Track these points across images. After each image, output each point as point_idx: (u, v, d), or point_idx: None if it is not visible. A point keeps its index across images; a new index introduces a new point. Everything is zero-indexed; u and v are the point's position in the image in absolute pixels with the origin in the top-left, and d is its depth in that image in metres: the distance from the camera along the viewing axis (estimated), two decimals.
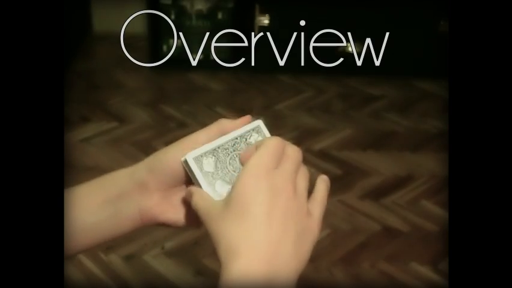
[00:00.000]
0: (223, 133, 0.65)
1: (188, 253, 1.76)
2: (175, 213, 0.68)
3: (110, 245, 1.77)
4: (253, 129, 0.66)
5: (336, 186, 1.99)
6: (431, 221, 1.89)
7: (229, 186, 0.62)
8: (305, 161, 0.66)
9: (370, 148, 2.24)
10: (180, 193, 0.67)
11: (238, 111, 2.38)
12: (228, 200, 0.60)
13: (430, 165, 2.14)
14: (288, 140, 0.77)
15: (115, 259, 1.73)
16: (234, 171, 0.63)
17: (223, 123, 0.66)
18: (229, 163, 0.64)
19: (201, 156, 0.63)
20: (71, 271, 1.67)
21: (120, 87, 2.59)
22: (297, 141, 2.11)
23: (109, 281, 1.66)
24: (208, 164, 0.63)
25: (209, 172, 0.63)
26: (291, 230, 0.59)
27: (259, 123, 0.66)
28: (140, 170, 0.67)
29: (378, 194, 2.00)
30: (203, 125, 0.68)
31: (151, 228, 1.84)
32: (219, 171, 0.63)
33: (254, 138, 0.65)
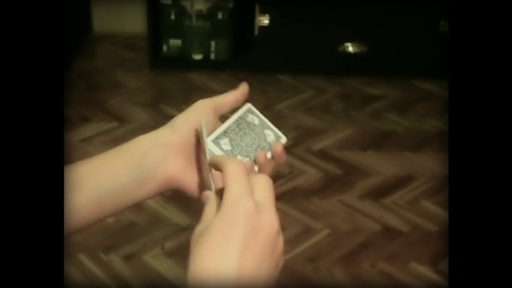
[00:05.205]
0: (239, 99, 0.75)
1: (189, 253, 1.75)
2: (197, 181, 0.70)
3: (110, 245, 1.77)
4: (247, 110, 0.75)
5: (336, 186, 1.99)
6: (431, 221, 1.89)
7: (247, 159, 0.71)
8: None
9: (370, 148, 2.23)
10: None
11: None
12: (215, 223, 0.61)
13: (430, 165, 2.14)
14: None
15: (115, 259, 1.73)
16: (247, 146, 0.72)
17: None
18: (241, 140, 0.72)
19: (217, 138, 0.71)
20: (71, 271, 1.67)
21: (120, 87, 2.59)
22: (297, 141, 2.13)
23: (109, 281, 1.66)
24: (225, 143, 0.71)
25: (228, 150, 0.70)
26: (263, 272, 0.58)
27: (249, 105, 0.76)
28: (163, 131, 0.70)
29: (378, 194, 2.00)
30: None
31: (151, 228, 1.86)
32: (235, 148, 0.71)
33: (251, 117, 0.75)
